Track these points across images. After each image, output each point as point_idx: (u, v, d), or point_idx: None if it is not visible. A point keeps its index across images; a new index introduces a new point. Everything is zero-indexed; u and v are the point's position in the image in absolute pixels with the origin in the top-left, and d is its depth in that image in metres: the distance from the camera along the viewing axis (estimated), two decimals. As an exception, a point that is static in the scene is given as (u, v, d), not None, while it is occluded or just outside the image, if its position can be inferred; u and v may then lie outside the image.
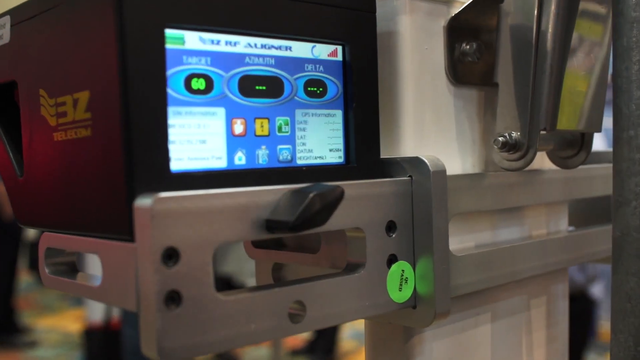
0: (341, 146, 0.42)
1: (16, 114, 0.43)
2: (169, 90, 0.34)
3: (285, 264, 0.50)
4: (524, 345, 0.55)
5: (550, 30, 0.45)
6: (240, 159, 0.37)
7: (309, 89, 0.40)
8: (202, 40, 0.36)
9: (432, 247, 0.42)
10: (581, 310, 2.10)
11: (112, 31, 0.33)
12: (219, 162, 0.37)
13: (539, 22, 0.45)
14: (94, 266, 0.42)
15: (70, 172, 0.38)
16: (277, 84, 0.39)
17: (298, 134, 0.40)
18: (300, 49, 0.40)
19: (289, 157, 0.40)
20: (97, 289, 0.36)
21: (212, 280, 0.34)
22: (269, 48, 0.39)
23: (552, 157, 0.53)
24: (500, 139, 0.47)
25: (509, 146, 0.46)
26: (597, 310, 2.39)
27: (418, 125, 0.46)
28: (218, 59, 0.37)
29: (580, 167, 0.53)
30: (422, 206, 0.42)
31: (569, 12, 0.46)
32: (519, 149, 0.46)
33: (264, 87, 0.38)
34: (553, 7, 0.45)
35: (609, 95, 0.51)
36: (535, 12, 0.45)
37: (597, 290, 2.27)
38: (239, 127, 0.37)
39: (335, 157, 0.42)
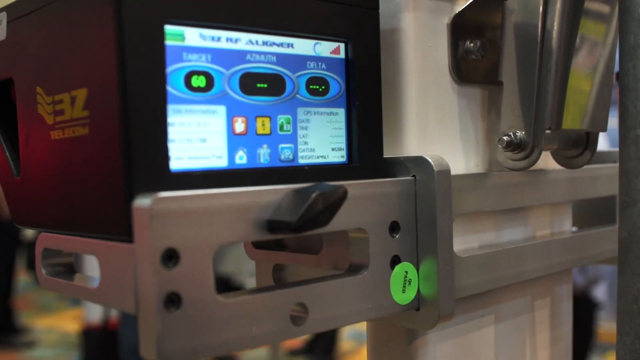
0: (344, 145, 0.41)
1: (13, 112, 0.42)
2: (169, 88, 0.34)
3: (286, 265, 0.50)
4: (527, 346, 0.54)
5: (555, 27, 0.44)
6: (241, 158, 0.37)
7: (311, 87, 0.40)
8: (203, 36, 0.35)
9: (436, 248, 0.41)
10: (583, 312, 2.09)
11: (111, 27, 0.32)
12: (219, 161, 0.36)
13: (544, 20, 0.45)
14: (92, 267, 0.41)
15: (68, 172, 0.37)
16: (278, 82, 0.38)
17: (300, 132, 0.39)
18: (303, 46, 0.39)
19: (291, 157, 0.39)
20: (95, 290, 0.36)
21: (212, 282, 0.33)
22: (271, 45, 0.38)
23: (557, 157, 0.53)
24: (505, 138, 0.46)
25: (513, 145, 0.46)
26: (599, 313, 2.38)
27: (421, 124, 0.45)
28: (219, 56, 0.36)
29: (585, 167, 0.53)
30: (426, 206, 0.42)
31: (575, 9, 0.46)
32: (523, 149, 0.46)
33: (266, 85, 0.38)
34: (559, 5, 0.44)
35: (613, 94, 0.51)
36: (541, 9, 0.45)
37: (600, 293, 2.26)
38: (239, 126, 0.37)
39: (337, 156, 0.41)
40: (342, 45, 0.41)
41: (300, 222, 0.34)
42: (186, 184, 0.34)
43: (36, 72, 0.39)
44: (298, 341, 3.22)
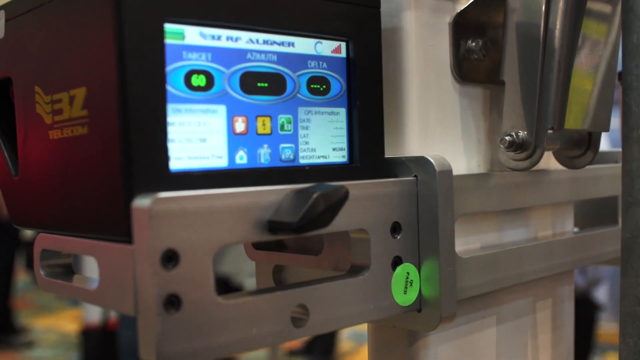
0: (345, 145, 0.41)
1: (11, 112, 0.42)
2: (169, 87, 0.33)
3: (287, 265, 0.49)
4: (529, 348, 0.54)
5: (558, 26, 0.44)
6: (242, 158, 0.36)
7: (312, 86, 0.39)
8: (203, 35, 0.35)
9: (438, 249, 0.41)
10: (584, 314, 2.09)
11: (110, 25, 0.32)
12: (219, 161, 0.36)
13: (546, 19, 0.44)
14: (91, 268, 0.41)
15: (67, 172, 0.36)
16: (279, 81, 0.38)
17: (301, 132, 0.39)
18: (304, 45, 0.39)
19: (292, 157, 0.39)
20: (93, 292, 0.35)
21: (212, 284, 0.33)
22: (271, 44, 0.38)
23: (559, 157, 0.52)
24: (507, 138, 0.46)
25: (515, 145, 0.45)
26: (600, 315, 2.38)
27: (423, 124, 0.45)
28: (219, 54, 0.35)
29: (587, 167, 0.52)
30: (427, 207, 0.41)
31: (577, 8, 0.45)
32: (525, 149, 0.45)
33: (266, 84, 0.37)
34: (561, 4, 0.44)
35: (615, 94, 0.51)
36: (543, 8, 0.44)
37: (601, 294, 2.26)
38: (240, 125, 0.36)
39: (338, 156, 0.41)
40: (343, 44, 0.41)
41: (301, 222, 0.33)
42: (186, 184, 0.33)
43: (35, 71, 0.39)
44: (297, 341, 3.22)
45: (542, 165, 0.52)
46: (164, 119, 0.33)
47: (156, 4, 0.33)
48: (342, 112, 0.41)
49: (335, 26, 0.40)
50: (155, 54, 0.33)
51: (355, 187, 0.38)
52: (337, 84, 0.41)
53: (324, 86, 0.40)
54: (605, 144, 1.75)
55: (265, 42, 0.37)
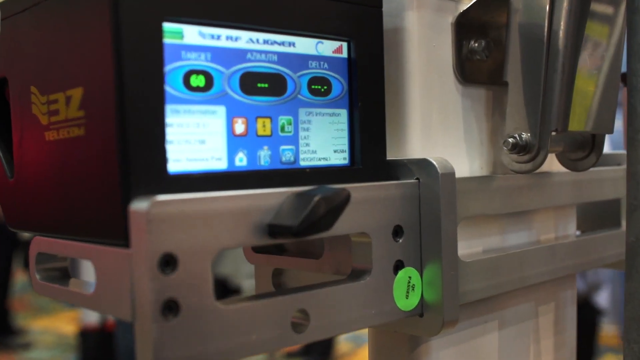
0: (346, 147, 0.40)
1: (6, 112, 0.41)
2: (167, 87, 0.33)
3: (287, 269, 0.49)
4: (531, 352, 0.53)
5: (562, 27, 0.43)
6: (241, 160, 0.36)
7: (312, 87, 0.39)
8: (202, 34, 0.34)
9: (440, 253, 0.40)
10: (585, 319, 2.09)
11: (107, 24, 0.31)
12: (218, 163, 0.35)
13: (550, 20, 0.44)
14: (88, 272, 0.40)
15: (63, 174, 0.36)
16: (279, 82, 0.37)
17: (301, 134, 0.38)
18: (304, 45, 0.38)
19: (292, 159, 0.38)
20: (90, 297, 0.34)
21: (211, 289, 0.32)
22: (272, 44, 0.37)
23: (562, 159, 0.52)
24: (510, 140, 0.45)
25: (519, 147, 0.45)
26: (601, 319, 2.38)
27: (425, 125, 0.44)
28: (218, 54, 0.35)
29: (590, 169, 0.52)
30: (430, 210, 0.41)
31: (582, 9, 0.45)
32: (529, 151, 0.45)
33: (266, 85, 0.37)
34: (565, 4, 0.43)
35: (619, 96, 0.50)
36: (547, 9, 0.44)
37: (602, 299, 2.26)
38: (240, 127, 0.36)
39: (339, 158, 0.40)
40: (344, 45, 0.40)
41: (302, 226, 0.33)
42: (184, 186, 0.33)
43: (30, 71, 0.38)
44: (295, 343, 3.21)
45: (544, 167, 0.51)
46: (162, 120, 0.32)
47: (155, 3, 0.32)
48: (344, 113, 0.40)
49: (337, 26, 0.39)
50: (153, 53, 0.32)
51: (357, 189, 0.38)
52: (339, 85, 0.40)
53: (325, 87, 0.39)
54: (605, 145, 1.74)
55: (266, 41, 0.37)
